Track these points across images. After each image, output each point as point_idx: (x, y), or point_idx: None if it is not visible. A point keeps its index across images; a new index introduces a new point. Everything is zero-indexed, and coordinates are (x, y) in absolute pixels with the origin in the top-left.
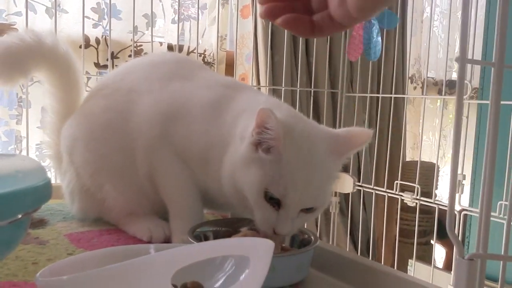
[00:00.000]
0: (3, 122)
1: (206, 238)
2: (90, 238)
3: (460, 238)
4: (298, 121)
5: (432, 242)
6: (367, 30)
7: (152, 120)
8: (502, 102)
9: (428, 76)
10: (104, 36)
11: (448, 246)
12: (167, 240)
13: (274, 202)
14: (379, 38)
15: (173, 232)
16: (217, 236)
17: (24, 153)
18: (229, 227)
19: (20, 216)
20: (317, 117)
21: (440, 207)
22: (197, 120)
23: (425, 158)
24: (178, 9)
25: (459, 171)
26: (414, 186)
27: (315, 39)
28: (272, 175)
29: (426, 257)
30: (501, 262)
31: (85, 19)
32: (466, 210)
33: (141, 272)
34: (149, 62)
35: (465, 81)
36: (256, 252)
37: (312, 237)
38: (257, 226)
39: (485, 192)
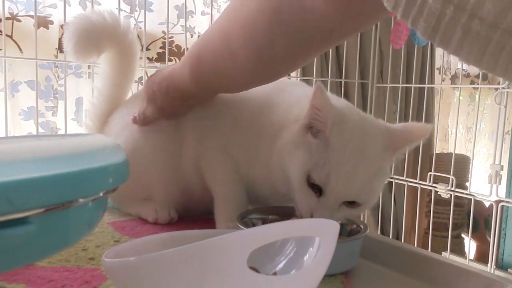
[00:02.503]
0: (39, 113)
1: (254, 225)
2: (133, 226)
3: (497, 229)
4: (354, 113)
5: (463, 235)
6: None
7: (206, 111)
8: None
9: (459, 67)
10: (135, 28)
11: (479, 239)
12: (171, 222)
13: (316, 188)
14: None
15: (217, 218)
16: (265, 223)
17: None
18: (276, 214)
19: (101, 194)
20: None
21: (476, 198)
22: (246, 111)
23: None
24: (211, 0)
25: (497, 162)
26: (447, 178)
27: None
28: (317, 160)
29: (457, 250)
30: None
31: (118, 11)
32: (503, 201)
33: (218, 252)
34: None
35: None
36: (325, 233)
37: (362, 226)
38: (296, 209)
39: None
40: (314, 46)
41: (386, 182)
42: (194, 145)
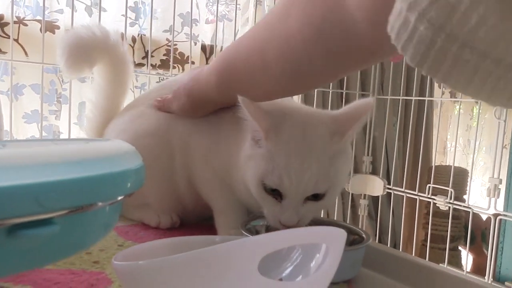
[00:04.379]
0: (43, 117)
1: (257, 232)
2: (136, 231)
3: (494, 243)
4: (294, 112)
5: (460, 248)
6: None
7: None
8: None
9: None
10: (140, 35)
11: (476, 252)
12: (173, 227)
13: (276, 194)
14: None
15: (218, 228)
16: (268, 230)
17: None
18: None
19: (119, 198)
20: None
21: (474, 211)
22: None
23: (451, 162)
24: (217, 9)
25: (495, 175)
26: (445, 190)
27: None
28: (266, 167)
29: (453, 262)
30: None
31: (123, 17)
32: (501, 214)
33: (228, 257)
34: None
35: None
36: (333, 241)
37: (364, 236)
38: (267, 220)
39: None
40: (353, 65)
41: (385, 193)
42: (180, 153)
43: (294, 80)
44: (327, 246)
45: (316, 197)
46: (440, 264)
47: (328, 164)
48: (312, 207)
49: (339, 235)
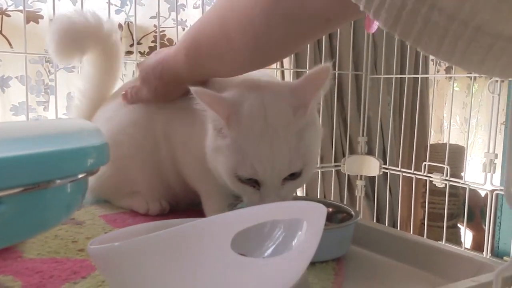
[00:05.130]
0: (30, 108)
1: None
2: (125, 219)
3: (492, 218)
4: (251, 91)
5: (459, 225)
6: None
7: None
8: None
9: None
10: (127, 22)
11: (475, 229)
12: (163, 213)
13: (252, 182)
14: None
15: (206, 212)
16: None
17: None
18: None
19: (79, 176)
20: (341, 100)
21: (471, 187)
22: None
23: (451, 141)
24: None
25: (491, 150)
26: (442, 168)
27: None
28: (235, 158)
29: (453, 240)
30: None
31: (108, 5)
32: (498, 190)
33: (200, 235)
34: None
35: None
36: (311, 215)
37: (353, 213)
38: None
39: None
40: (310, 34)
41: (381, 173)
42: (164, 141)
43: (256, 52)
44: (305, 222)
45: (293, 175)
46: (439, 242)
47: (296, 141)
48: (291, 186)
49: (317, 209)
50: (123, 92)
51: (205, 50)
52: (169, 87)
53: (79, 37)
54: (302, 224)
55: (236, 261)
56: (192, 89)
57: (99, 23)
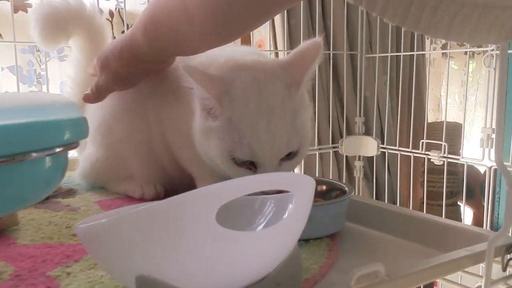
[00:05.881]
0: None
1: None
2: (120, 204)
3: (491, 193)
4: (242, 68)
5: (459, 203)
6: None
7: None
8: None
9: None
10: (117, 9)
11: (476, 206)
12: (158, 197)
13: (248, 164)
14: None
15: None
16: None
17: None
18: None
19: (57, 150)
20: (337, 80)
21: (469, 163)
22: None
23: (448, 119)
24: None
25: (488, 125)
26: (440, 145)
27: (332, 0)
28: (230, 139)
29: (453, 218)
30: None
31: None
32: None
33: (185, 208)
34: None
35: None
36: (299, 187)
37: (347, 189)
38: None
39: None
40: (271, 7)
41: (379, 153)
42: (156, 126)
43: (217, 28)
44: (295, 194)
45: (289, 154)
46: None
47: (292, 119)
48: (288, 166)
49: (306, 181)
50: (83, 95)
51: (165, 27)
52: (130, 67)
53: (62, 21)
54: (292, 198)
55: (222, 234)
56: (182, 65)
57: (81, 6)
